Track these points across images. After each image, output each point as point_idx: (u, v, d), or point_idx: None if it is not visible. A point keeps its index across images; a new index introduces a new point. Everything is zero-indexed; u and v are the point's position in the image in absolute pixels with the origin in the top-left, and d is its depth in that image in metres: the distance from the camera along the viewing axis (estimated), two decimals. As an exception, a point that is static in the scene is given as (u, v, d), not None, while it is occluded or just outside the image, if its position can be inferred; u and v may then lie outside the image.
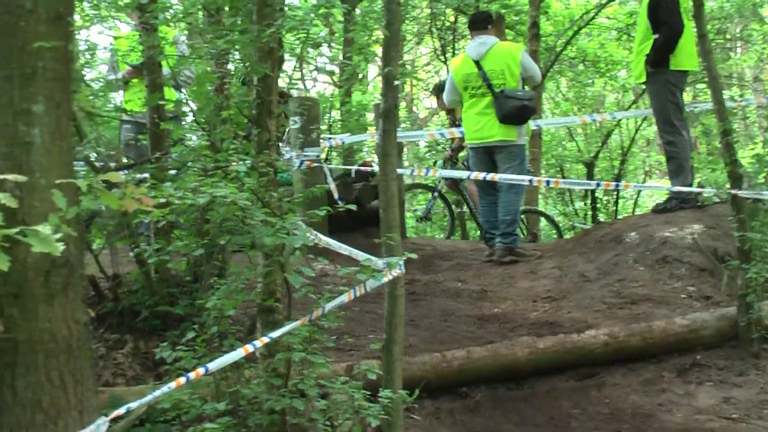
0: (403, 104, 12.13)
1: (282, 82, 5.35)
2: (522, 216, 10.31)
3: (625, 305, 6.60)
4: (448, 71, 8.80)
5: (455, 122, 10.52)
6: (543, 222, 12.45)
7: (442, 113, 11.20)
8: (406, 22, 15.30)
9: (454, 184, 10.98)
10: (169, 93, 6.62)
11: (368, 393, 4.06)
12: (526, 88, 8.76)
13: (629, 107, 15.79)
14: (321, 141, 8.63)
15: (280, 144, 8.05)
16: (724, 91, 7.12)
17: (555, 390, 5.50)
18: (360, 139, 11.77)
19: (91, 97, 5.64)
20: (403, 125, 14.11)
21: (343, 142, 10.77)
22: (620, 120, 14.88)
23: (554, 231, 11.93)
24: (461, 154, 10.79)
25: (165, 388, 3.30)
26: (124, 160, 6.95)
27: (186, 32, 8.28)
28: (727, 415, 5.05)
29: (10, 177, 2.55)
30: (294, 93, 10.23)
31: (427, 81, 19.67)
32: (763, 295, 5.74)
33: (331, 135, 11.02)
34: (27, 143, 2.68)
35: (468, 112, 8.70)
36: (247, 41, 4.36)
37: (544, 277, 7.78)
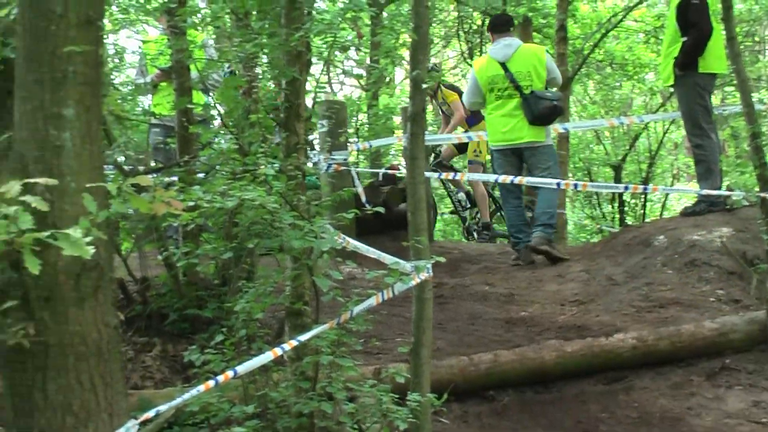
0: (430, 107, 12.12)
1: (309, 86, 5.36)
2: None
3: (653, 309, 6.55)
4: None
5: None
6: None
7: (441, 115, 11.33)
8: (433, 25, 15.30)
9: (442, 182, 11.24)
10: (198, 96, 6.63)
11: (396, 396, 4.07)
12: (550, 89, 8.74)
13: (657, 110, 15.66)
14: (348, 144, 8.65)
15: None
16: (753, 94, 7.07)
17: (583, 394, 5.47)
18: (387, 142, 11.79)
19: (120, 101, 5.67)
20: (430, 128, 14.14)
21: (371, 146, 10.82)
22: (648, 123, 14.76)
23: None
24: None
25: (194, 391, 3.32)
26: (153, 164, 6.98)
27: (214, 36, 8.31)
28: (757, 419, 5.00)
29: (41, 181, 2.57)
30: (322, 96, 10.25)
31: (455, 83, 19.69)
32: (793, 298, 5.70)
33: (358, 138, 11.09)
34: (57, 147, 2.70)
35: (493, 113, 8.65)
36: (275, 45, 4.37)
37: (572, 280, 7.74)
